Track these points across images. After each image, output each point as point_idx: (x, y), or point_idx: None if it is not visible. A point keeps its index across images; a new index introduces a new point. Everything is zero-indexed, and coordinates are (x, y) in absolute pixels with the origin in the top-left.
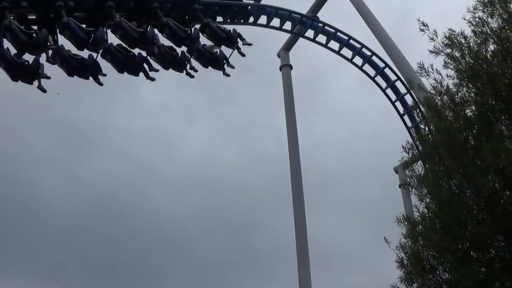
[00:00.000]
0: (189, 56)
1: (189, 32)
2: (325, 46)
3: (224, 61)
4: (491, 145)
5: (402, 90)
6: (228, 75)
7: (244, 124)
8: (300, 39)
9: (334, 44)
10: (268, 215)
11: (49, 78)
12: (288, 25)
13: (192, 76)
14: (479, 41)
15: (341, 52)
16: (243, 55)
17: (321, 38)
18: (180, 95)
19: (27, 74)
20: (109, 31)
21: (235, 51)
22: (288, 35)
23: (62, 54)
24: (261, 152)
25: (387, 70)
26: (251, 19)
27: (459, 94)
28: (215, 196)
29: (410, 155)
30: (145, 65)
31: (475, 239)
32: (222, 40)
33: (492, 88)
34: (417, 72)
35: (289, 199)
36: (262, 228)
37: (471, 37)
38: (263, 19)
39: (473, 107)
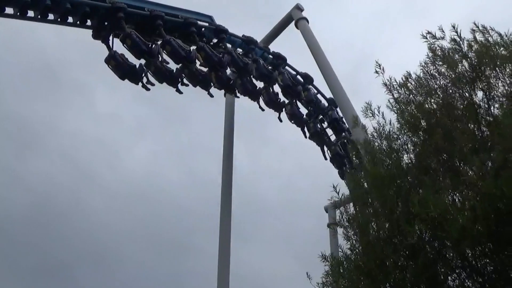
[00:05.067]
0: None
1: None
2: None
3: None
4: (420, 195)
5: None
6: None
7: (191, 145)
8: None
9: None
10: (203, 239)
11: (153, 84)
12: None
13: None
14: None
15: None
16: None
17: None
18: (132, 107)
19: (135, 76)
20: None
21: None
22: None
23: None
24: (203, 175)
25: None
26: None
27: (399, 141)
28: (152, 213)
29: (340, 196)
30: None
31: (397, 285)
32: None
33: (430, 139)
34: (362, 111)
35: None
36: (195, 251)
37: (417, 88)
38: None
39: (411, 156)
